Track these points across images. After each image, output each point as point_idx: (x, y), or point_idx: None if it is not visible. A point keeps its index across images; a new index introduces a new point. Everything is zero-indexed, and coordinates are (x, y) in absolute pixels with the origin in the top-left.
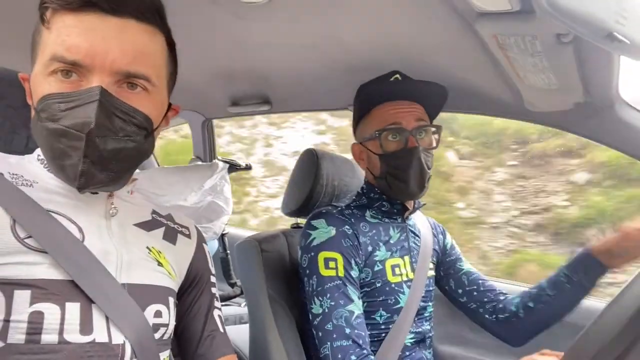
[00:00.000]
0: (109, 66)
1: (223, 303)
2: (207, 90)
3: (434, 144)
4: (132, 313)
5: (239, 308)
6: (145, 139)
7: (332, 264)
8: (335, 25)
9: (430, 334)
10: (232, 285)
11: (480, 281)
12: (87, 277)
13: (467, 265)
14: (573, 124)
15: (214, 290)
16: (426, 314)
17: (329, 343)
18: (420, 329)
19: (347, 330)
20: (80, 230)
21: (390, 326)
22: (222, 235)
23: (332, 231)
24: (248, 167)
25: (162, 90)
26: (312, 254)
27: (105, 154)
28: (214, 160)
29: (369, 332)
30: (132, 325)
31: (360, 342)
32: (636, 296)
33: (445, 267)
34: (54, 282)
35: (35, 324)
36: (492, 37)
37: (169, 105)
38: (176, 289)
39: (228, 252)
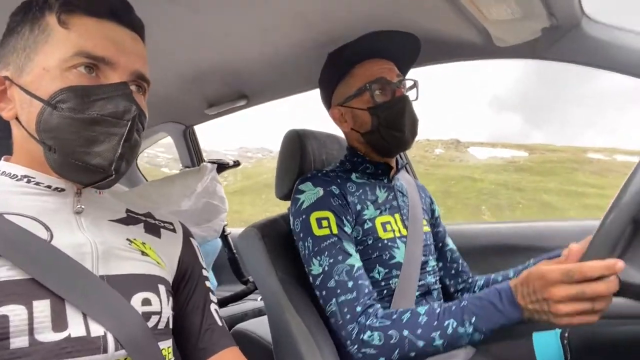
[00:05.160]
0: (131, 66)
1: (240, 301)
2: (181, 97)
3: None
4: (113, 304)
5: (256, 302)
6: (139, 136)
7: (324, 223)
8: (294, 1)
9: (436, 287)
10: (245, 282)
11: (460, 261)
12: (52, 273)
13: (451, 243)
14: (544, 51)
15: (207, 284)
16: (428, 268)
17: (334, 299)
18: (423, 282)
19: (350, 284)
20: (47, 228)
21: (390, 282)
22: (225, 236)
23: (320, 191)
24: (236, 164)
25: None
26: (304, 216)
27: (133, 142)
28: (202, 164)
29: None
30: (113, 316)
31: (365, 291)
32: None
33: (434, 237)
34: (17, 282)
35: (1, 328)
36: None
37: None
38: (168, 278)
39: (234, 251)
